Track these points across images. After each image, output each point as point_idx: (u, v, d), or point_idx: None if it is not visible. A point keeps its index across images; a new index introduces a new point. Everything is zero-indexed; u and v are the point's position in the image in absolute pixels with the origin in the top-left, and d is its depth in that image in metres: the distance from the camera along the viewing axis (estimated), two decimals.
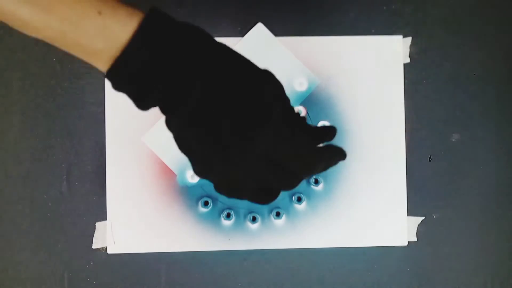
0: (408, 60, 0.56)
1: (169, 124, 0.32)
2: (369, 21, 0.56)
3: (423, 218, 0.56)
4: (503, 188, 0.56)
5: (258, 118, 0.31)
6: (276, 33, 0.55)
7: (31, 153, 0.54)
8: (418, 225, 0.55)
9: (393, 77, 0.56)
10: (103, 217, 0.54)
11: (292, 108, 0.35)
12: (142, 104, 0.31)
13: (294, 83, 0.55)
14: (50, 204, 0.54)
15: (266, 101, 0.32)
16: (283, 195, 0.55)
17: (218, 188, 0.34)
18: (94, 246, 0.54)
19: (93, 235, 0.54)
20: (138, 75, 0.30)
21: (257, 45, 0.55)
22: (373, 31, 0.56)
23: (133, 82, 0.31)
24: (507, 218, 0.56)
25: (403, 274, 0.55)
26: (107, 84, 0.54)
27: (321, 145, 0.36)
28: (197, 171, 0.33)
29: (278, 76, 0.30)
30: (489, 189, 0.56)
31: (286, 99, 0.35)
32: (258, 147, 0.31)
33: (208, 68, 0.31)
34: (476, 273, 0.56)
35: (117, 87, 0.31)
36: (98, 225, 0.54)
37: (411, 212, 0.56)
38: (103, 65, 0.31)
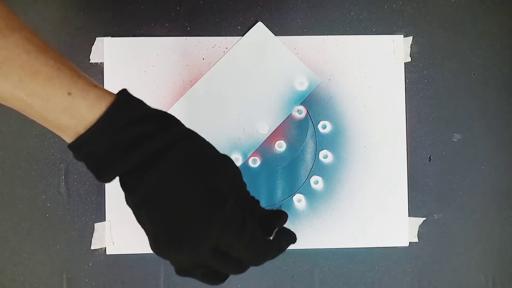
0: (409, 60, 0.56)
1: (127, 201, 0.33)
2: (370, 20, 0.56)
3: (424, 219, 0.55)
4: (503, 188, 0.56)
5: (210, 210, 0.31)
6: (276, 33, 0.55)
7: (29, 153, 0.54)
8: (419, 226, 0.55)
9: (394, 77, 0.56)
10: (102, 218, 0.54)
11: (247, 194, 0.36)
12: (101, 178, 0.32)
13: (294, 83, 0.55)
14: (48, 204, 0.54)
15: (221, 191, 0.32)
16: (284, 195, 0.54)
17: (173, 265, 0.34)
18: (93, 247, 0.54)
19: (92, 236, 0.54)
20: (99, 154, 0.31)
21: (257, 45, 0.55)
22: (374, 30, 0.56)
23: (93, 159, 0.32)
24: (508, 219, 0.56)
25: (404, 275, 0.55)
26: (106, 83, 0.53)
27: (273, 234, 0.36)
28: (152, 250, 0.33)
29: (279, 75, 0.29)
30: (490, 189, 0.56)
31: (242, 185, 0.35)
32: (209, 238, 0.31)
33: (167, 155, 0.31)
34: (477, 274, 0.56)
35: (77, 158, 0.32)
36: (97, 225, 0.54)
37: (412, 212, 0.55)
38: (67, 138, 0.32)
